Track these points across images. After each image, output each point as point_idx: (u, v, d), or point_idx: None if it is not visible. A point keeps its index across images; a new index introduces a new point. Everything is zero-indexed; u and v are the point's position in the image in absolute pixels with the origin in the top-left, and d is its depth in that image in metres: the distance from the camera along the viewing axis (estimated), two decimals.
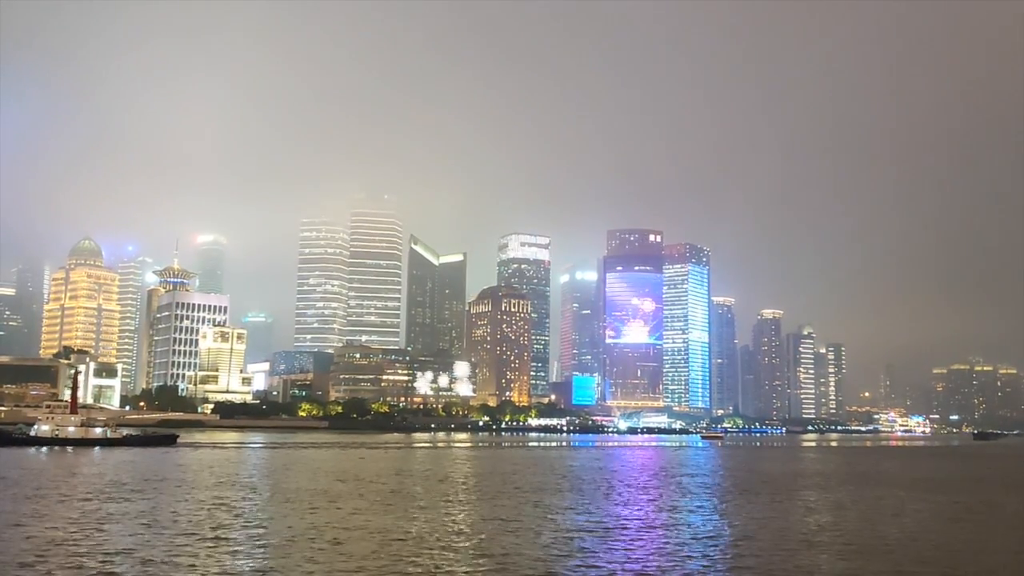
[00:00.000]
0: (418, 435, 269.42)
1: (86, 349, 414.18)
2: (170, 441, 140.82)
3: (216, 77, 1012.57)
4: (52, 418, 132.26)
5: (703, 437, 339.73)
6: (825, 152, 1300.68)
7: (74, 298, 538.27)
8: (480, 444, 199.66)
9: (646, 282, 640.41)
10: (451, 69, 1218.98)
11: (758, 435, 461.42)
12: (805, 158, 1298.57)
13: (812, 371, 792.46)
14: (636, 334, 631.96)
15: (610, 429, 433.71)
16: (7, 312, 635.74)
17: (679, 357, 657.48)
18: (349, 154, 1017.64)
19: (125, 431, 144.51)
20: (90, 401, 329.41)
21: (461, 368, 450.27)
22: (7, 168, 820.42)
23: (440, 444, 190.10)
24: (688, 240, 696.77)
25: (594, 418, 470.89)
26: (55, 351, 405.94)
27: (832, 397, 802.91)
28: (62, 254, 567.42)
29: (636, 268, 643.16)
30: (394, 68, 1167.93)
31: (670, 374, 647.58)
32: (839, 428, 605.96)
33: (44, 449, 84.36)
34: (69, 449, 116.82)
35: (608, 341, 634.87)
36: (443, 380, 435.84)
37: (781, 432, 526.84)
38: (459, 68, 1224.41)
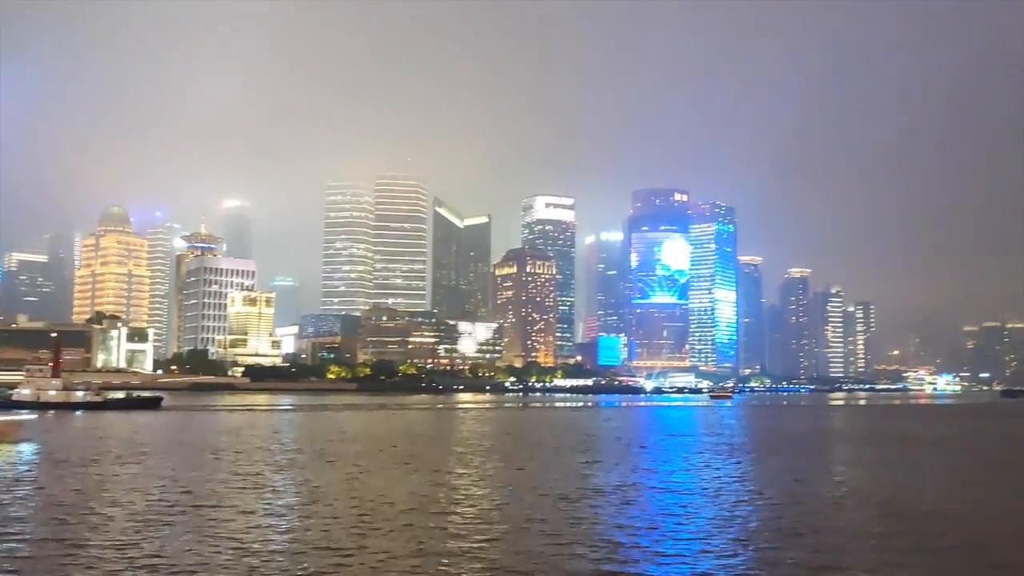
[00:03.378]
0: (451, 396, 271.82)
1: (118, 314, 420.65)
2: (154, 405, 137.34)
3: (241, 43, 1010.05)
4: (33, 382, 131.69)
5: (712, 396, 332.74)
6: (853, 108, 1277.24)
7: (105, 264, 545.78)
8: (507, 405, 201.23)
9: (672, 242, 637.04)
10: (476, 30, 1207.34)
11: (785, 394, 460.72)
12: (833, 115, 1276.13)
13: (840, 330, 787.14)
14: (662, 294, 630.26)
15: (637, 389, 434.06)
16: (40, 279, 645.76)
17: (706, 317, 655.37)
18: (373, 117, 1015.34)
19: (109, 395, 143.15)
20: (123, 365, 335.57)
21: (487, 330, 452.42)
22: (37, 137, 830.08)
23: (467, 405, 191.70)
24: (714, 199, 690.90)
25: (620, 379, 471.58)
26: (87, 316, 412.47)
27: (861, 355, 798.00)
28: (92, 221, 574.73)
29: (662, 228, 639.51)
30: (419, 29, 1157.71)
31: (696, 334, 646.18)
32: (868, 387, 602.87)
33: (25, 413, 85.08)
34: (50, 413, 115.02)
35: (634, 302, 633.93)
36: (469, 342, 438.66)
37: (808, 391, 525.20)
38: (484, 28, 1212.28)
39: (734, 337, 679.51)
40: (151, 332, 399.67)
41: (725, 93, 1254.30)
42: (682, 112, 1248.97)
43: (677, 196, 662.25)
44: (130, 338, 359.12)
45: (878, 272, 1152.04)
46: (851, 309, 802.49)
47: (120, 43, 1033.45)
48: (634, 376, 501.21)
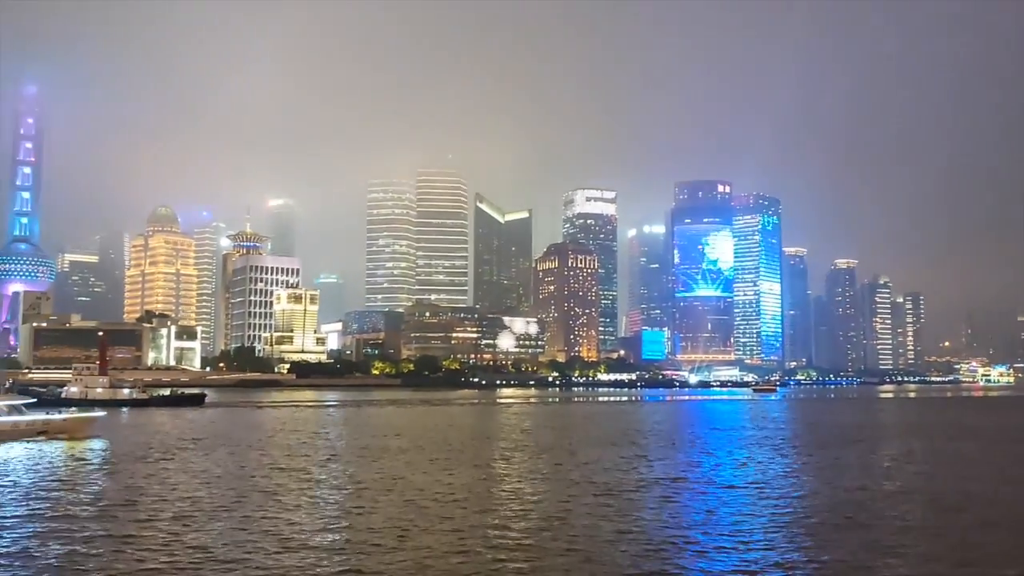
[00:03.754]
0: (494, 391, 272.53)
1: (167, 313, 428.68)
2: (198, 401, 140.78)
3: (286, 45, 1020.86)
4: (81, 380, 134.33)
5: (755, 389, 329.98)
6: (899, 96, 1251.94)
7: (153, 264, 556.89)
8: (549, 400, 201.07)
9: (716, 234, 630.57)
10: (516, 26, 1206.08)
11: (832, 387, 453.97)
12: (879, 103, 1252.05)
13: (889, 321, 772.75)
14: (706, 287, 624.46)
15: (681, 383, 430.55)
16: (92, 279, 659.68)
17: (750, 309, 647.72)
18: (414, 115, 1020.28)
19: (154, 392, 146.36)
20: (172, 363, 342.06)
21: (529, 325, 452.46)
22: (86, 140, 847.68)
23: (509, 400, 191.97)
24: (758, 190, 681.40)
25: (664, 372, 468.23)
26: (138, 315, 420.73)
27: (910, 347, 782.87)
28: (140, 221, 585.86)
29: (705, 220, 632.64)
30: (454, 27, 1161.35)
31: (741, 327, 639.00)
32: (917, 379, 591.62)
33: (74, 410, 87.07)
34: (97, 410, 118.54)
35: (678, 295, 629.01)
36: (511, 337, 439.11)
37: (856, 384, 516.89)
38: (524, 24, 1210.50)
39: (779, 330, 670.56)
40: (199, 330, 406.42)
41: (767, 83, 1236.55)
42: (724, 103, 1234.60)
43: (720, 188, 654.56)
44: (179, 336, 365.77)
45: (927, 262, 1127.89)
46: (899, 300, 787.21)
47: (168, 46, 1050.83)
48: (678, 370, 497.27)
